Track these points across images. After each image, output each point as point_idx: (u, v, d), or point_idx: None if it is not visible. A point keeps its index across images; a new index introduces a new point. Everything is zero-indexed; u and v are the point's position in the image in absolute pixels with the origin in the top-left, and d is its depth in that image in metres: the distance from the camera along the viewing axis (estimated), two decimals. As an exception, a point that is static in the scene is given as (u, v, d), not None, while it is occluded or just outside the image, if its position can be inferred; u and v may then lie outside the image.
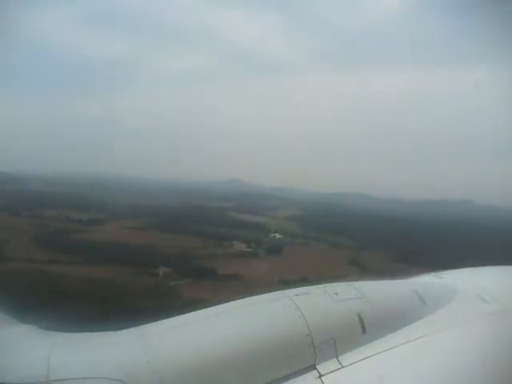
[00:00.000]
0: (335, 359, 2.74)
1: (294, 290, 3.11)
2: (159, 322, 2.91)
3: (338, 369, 2.71)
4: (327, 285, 3.17)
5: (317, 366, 2.71)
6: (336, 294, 3.03)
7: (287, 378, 2.66)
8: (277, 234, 72.29)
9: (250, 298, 3.08)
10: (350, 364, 2.73)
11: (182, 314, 2.96)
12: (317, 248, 68.11)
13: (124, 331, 2.86)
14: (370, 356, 2.77)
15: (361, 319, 2.89)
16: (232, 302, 3.06)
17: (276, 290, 3.14)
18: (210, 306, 3.02)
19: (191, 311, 2.99)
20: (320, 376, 2.67)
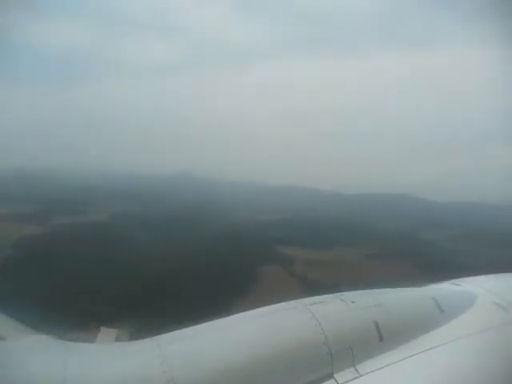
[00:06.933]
0: (353, 368, 2.72)
1: (310, 298, 3.09)
2: (175, 332, 2.89)
3: (355, 378, 2.68)
4: (344, 293, 3.16)
5: (334, 375, 2.68)
6: (353, 302, 3.01)
7: None
8: None
9: (267, 307, 3.06)
10: (368, 373, 2.69)
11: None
12: None
13: (140, 341, 2.86)
14: (387, 365, 2.73)
15: (378, 328, 2.87)
16: (248, 312, 3.05)
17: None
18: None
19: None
20: None
